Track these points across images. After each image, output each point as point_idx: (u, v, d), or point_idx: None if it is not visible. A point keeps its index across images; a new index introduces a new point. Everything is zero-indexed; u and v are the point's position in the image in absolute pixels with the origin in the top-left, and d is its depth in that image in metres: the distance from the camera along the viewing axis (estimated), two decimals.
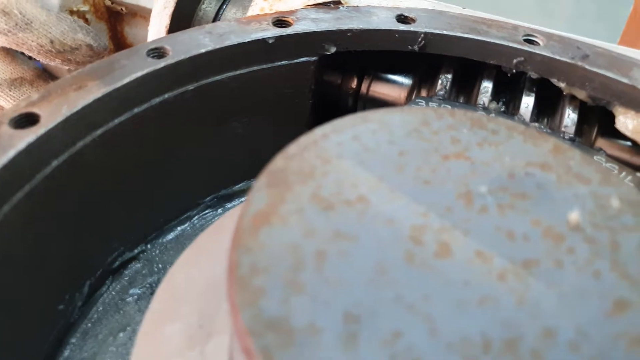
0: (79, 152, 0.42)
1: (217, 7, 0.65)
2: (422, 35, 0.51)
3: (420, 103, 0.53)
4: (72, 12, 0.67)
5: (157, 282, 0.52)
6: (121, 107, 0.44)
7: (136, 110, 0.45)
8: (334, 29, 0.51)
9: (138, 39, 0.66)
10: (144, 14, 0.67)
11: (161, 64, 0.45)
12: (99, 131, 0.43)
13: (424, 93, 0.58)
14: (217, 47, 0.48)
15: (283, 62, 0.51)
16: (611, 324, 0.25)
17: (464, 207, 0.29)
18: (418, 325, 0.24)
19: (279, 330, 0.23)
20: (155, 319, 0.36)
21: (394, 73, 0.59)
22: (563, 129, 0.51)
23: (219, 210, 0.58)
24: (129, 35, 0.74)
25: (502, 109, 0.54)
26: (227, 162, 0.55)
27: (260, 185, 0.30)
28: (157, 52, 0.46)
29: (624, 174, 0.47)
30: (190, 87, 0.48)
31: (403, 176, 0.31)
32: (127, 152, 0.46)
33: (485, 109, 0.53)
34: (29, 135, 0.38)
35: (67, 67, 0.64)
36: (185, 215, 0.56)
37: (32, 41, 0.60)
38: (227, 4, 0.66)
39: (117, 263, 0.50)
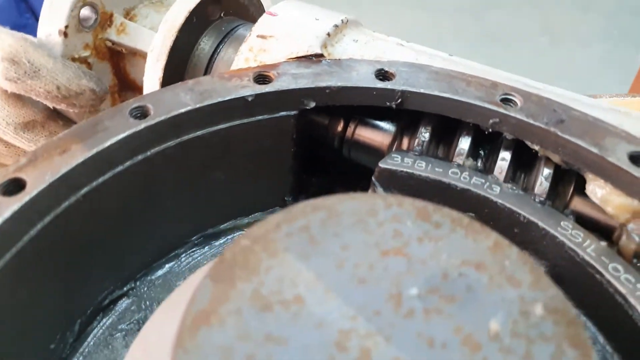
0: (64, 212, 0.45)
1: (210, 52, 0.68)
2: (400, 93, 0.53)
3: (395, 158, 0.54)
4: (74, 59, 0.71)
5: (144, 319, 0.55)
6: (104, 167, 0.47)
7: (119, 168, 0.48)
8: (312, 86, 0.52)
9: (140, 76, 0.69)
10: (142, 55, 0.70)
11: (142, 124, 0.48)
12: (83, 191, 0.46)
13: (406, 141, 0.59)
14: (198, 106, 0.50)
15: (263, 117, 0.53)
16: None
17: (392, 310, 0.31)
18: None
19: None
20: None
21: (379, 119, 0.60)
22: (537, 189, 0.52)
23: (206, 248, 0.61)
24: (131, 72, 0.77)
25: (479, 165, 0.55)
26: (212, 204, 0.58)
27: (207, 280, 0.32)
28: (140, 111, 0.49)
29: (587, 242, 0.48)
30: (172, 143, 0.50)
31: (341, 273, 0.33)
32: (111, 206, 0.49)
33: (461, 166, 0.54)
34: (15, 203, 0.41)
35: (72, 110, 0.68)
36: (173, 254, 0.59)
37: (40, 87, 0.64)
38: (220, 49, 0.68)
39: (107, 301, 0.54)
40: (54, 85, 0.64)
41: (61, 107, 0.67)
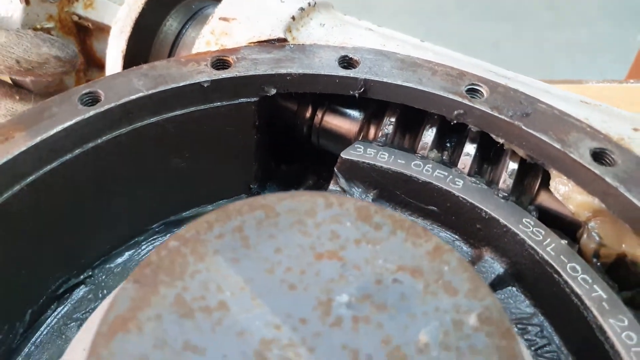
0: (7, 201, 0.43)
1: (177, 31, 0.65)
2: (362, 81, 0.51)
3: (358, 149, 0.52)
4: (35, 29, 0.68)
5: None
6: (50, 155, 0.45)
7: (68, 157, 0.46)
8: (272, 72, 0.50)
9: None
10: (110, 31, 0.67)
11: (92, 111, 0.46)
12: (28, 179, 0.44)
13: (373, 129, 0.57)
14: (150, 92, 0.48)
15: (222, 103, 0.51)
16: None
17: (319, 318, 0.30)
18: None
19: None
20: None
21: (347, 107, 0.58)
22: (501, 184, 0.50)
23: (167, 236, 0.60)
24: (97, 50, 0.75)
25: (444, 157, 0.53)
26: (172, 192, 0.57)
27: (129, 284, 0.31)
28: (90, 97, 0.47)
29: (548, 240, 0.46)
30: (124, 130, 0.49)
31: (271, 279, 0.31)
32: (61, 195, 0.47)
33: (425, 158, 0.52)
34: None
35: (44, 80, 0.65)
36: (133, 241, 0.58)
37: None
38: (187, 28, 0.65)
39: (61, 289, 0.53)
40: (12, 59, 0.61)
41: (28, 79, 0.64)
